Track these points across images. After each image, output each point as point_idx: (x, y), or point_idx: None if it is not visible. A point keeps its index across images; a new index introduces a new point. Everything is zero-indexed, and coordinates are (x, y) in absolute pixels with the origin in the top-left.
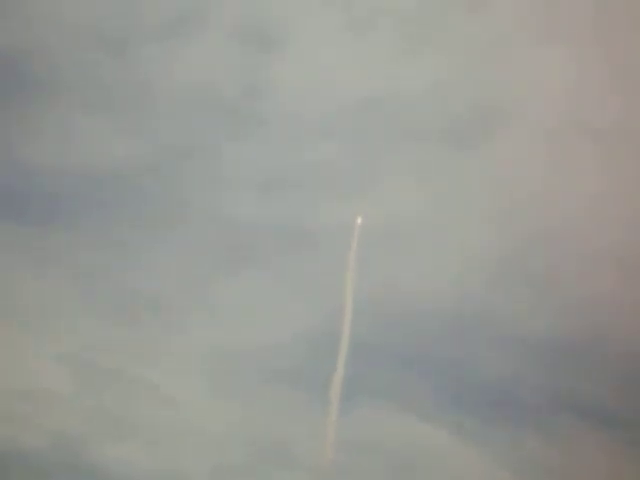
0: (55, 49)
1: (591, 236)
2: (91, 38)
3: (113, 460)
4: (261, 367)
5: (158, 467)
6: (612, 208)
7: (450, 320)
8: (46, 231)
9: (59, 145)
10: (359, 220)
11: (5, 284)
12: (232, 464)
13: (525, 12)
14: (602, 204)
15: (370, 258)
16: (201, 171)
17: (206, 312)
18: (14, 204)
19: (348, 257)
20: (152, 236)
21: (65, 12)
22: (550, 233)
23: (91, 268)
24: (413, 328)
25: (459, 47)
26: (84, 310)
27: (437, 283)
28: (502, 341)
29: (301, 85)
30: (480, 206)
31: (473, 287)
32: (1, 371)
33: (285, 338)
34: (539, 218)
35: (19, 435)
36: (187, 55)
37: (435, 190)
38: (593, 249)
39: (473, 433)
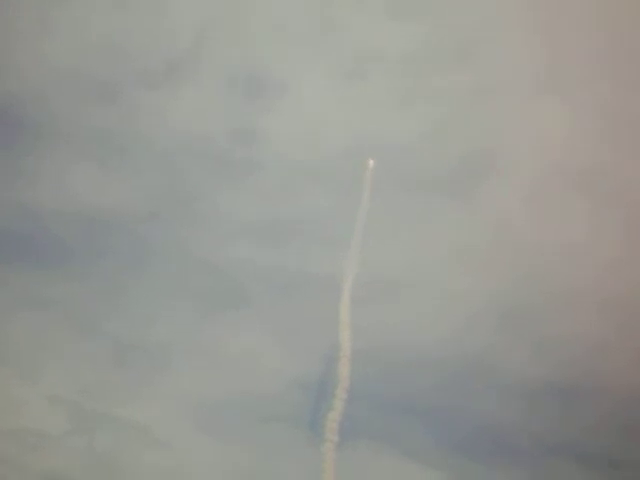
0: (50, 96)
1: (594, 284)
2: (86, 86)
3: None
4: (255, 409)
5: None
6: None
7: (447, 366)
8: (42, 275)
9: (56, 191)
10: (371, 162)
11: (0, 326)
12: None
13: (516, 61)
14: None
15: (366, 306)
16: (196, 217)
17: (202, 357)
18: (11, 248)
19: (342, 303)
20: (147, 281)
21: (60, 60)
22: (550, 280)
23: (86, 312)
24: (409, 373)
25: (451, 96)
26: (78, 353)
27: (433, 329)
28: (500, 388)
29: (296, 133)
30: (475, 254)
31: (470, 334)
32: None
33: (281, 383)
34: (538, 265)
35: (9, 475)
36: (181, 102)
37: (430, 238)
38: (599, 299)
39: (472, 478)
